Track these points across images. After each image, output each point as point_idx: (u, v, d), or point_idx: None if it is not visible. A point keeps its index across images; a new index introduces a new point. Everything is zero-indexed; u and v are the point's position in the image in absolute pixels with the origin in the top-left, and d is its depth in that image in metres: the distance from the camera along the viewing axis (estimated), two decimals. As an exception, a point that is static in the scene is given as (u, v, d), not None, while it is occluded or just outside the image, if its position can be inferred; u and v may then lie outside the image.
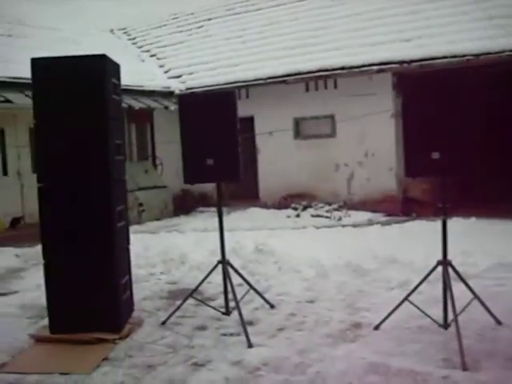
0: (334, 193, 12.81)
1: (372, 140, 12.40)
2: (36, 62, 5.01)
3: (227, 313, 5.45)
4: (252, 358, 4.55)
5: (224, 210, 13.77)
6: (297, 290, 6.45)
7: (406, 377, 4.17)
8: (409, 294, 5.05)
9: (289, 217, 11.91)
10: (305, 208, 12.27)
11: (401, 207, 12.19)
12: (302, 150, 13.39)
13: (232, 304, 5.42)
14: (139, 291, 6.39)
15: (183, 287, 6.86)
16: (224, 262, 5.39)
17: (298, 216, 11.91)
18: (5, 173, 11.57)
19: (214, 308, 5.57)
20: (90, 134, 4.91)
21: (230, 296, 5.35)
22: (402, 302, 5.04)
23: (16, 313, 6.04)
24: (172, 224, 12.13)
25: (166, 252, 8.14)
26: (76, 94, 4.93)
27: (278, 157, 13.55)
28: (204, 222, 12.09)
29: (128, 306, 5.50)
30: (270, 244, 7.72)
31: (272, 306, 5.84)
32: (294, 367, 4.36)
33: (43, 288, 6.27)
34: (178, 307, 5.53)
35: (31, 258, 8.97)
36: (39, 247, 9.69)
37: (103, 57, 5.02)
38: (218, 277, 6.99)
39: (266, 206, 13.37)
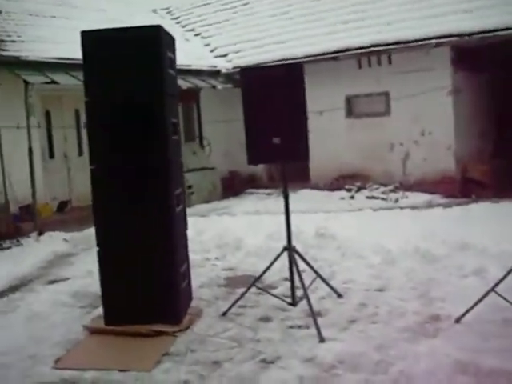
0: (388, 173, 12.24)
1: (428, 118, 11.76)
2: (86, 36, 4.65)
3: (293, 303, 5.05)
4: (325, 353, 4.15)
5: (274, 191, 13.55)
6: (363, 278, 6.00)
7: (499, 378, 3.72)
8: (496, 285, 4.56)
9: (343, 198, 11.42)
10: (359, 189, 11.76)
11: (459, 188, 11.56)
12: (354, 130, 12.83)
13: (298, 293, 5.04)
14: (195, 278, 6.03)
15: (241, 274, 6.50)
16: (290, 248, 4.98)
17: (352, 198, 11.42)
18: (51, 156, 11.37)
19: (280, 298, 5.17)
20: (145, 112, 4.54)
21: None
22: (488, 293, 4.57)
23: (68, 301, 5.76)
24: (222, 206, 11.77)
25: (219, 236, 7.79)
26: (130, 69, 4.56)
27: (329, 136, 13.02)
28: (255, 204, 11.71)
29: (187, 295, 5.16)
30: (331, 228, 7.27)
31: (339, 295, 5.43)
32: (374, 365, 3.94)
33: (95, 274, 6.01)
34: (241, 297, 5.15)
35: (80, 243, 8.75)
36: (88, 231, 9.61)
37: (158, 28, 4.63)
38: (276, 263, 6.67)
39: (317, 187, 12.89)
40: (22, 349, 4.54)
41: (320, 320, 4.69)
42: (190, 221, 9.01)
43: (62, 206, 11.21)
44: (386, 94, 12.43)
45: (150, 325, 4.67)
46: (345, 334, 4.53)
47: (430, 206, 10.16)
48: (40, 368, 4.19)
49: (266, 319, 4.97)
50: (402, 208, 10.09)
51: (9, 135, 9.47)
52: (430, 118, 11.71)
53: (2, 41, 9.95)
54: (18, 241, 8.69)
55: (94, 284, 6.25)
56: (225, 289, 5.96)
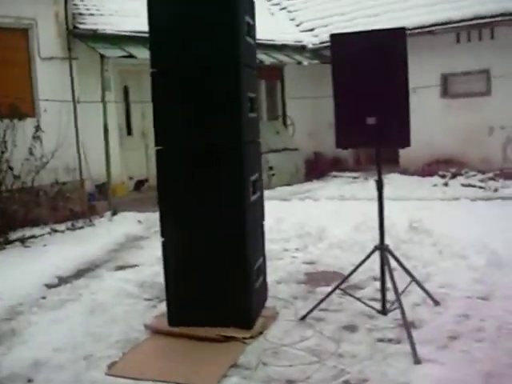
0: (486, 159, 11.16)
1: (537, 98, 10.59)
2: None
3: (384, 312, 4.34)
4: (422, 380, 3.44)
5: (360, 174, 12.71)
6: (464, 282, 5.17)
7: None
8: None
9: (435, 185, 10.48)
10: (453, 176, 10.77)
11: None
12: (449, 110, 11.79)
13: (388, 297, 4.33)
14: (273, 271, 5.44)
15: (323, 269, 5.84)
16: (383, 248, 4.26)
17: (445, 185, 10.45)
18: (129, 133, 11.05)
19: (368, 305, 4.47)
20: (217, 84, 3.93)
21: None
22: None
23: (133, 292, 5.30)
24: (304, 190, 11.09)
25: (301, 224, 7.14)
26: (200, 33, 3.94)
27: (421, 117, 11.95)
28: (339, 188, 10.96)
29: (261, 294, 4.56)
30: (426, 220, 6.44)
31: (436, 303, 4.66)
32: (483, 401, 3.20)
33: None
34: (323, 300, 4.49)
35: (153, 225, 8.31)
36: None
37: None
38: (362, 257, 5.96)
39: (406, 172, 11.97)
40: (78, 347, 4.10)
41: (414, 333, 3.95)
42: (270, 205, 8.42)
43: (139, 185, 10.89)
44: (487, 72, 11.33)
45: (218, 328, 4.11)
46: (444, 354, 3.78)
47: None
48: (93, 373, 3.71)
49: (350, 328, 4.29)
50: (503, 199, 9.07)
51: (85, 111, 9.16)
52: (538, 99, 10.55)
53: (80, 14, 9.64)
54: (90, 221, 8.39)
55: (162, 274, 5.79)
56: (304, 286, 5.31)
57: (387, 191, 10.55)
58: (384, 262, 4.24)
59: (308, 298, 4.98)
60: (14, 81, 8.46)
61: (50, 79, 8.74)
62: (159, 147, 4.09)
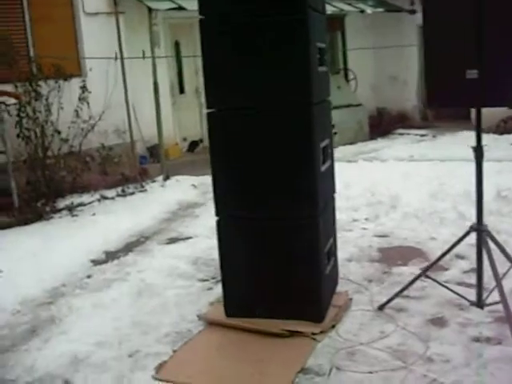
0: None
1: None
2: None
3: (479, 304, 3.64)
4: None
5: (428, 132, 11.77)
6: None
7: None
8: None
9: (514, 144, 9.51)
10: (536, 134, 9.75)
11: None
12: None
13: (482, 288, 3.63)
14: (341, 247, 4.76)
15: (398, 244, 5.15)
16: (481, 229, 3.53)
17: (526, 143, 9.47)
18: (181, 91, 10.43)
19: (460, 295, 3.77)
20: (280, 33, 3.23)
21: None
22: None
23: (186, 271, 4.76)
24: (369, 149, 10.28)
25: (370, 191, 6.42)
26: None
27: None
28: (407, 147, 10.11)
29: (332, 280, 3.93)
30: None
31: (541, 291, 3.92)
32: None
33: None
34: (405, 287, 3.82)
35: (209, 190, 7.67)
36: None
37: None
38: (443, 230, 5.27)
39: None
40: (123, 340, 3.59)
41: (515, 330, 3.27)
42: (335, 168, 7.82)
43: (193, 145, 10.34)
44: None
45: (283, 321, 3.53)
46: (561, 360, 3.09)
47: None
48: (138, 374, 3.20)
49: (438, 322, 3.61)
50: None
51: (134, 69, 8.58)
52: None
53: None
54: (142, 186, 7.90)
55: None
56: (379, 265, 4.65)
57: (461, 151, 9.67)
58: (481, 247, 3.51)
59: (384, 280, 4.33)
60: (58, 39, 7.93)
61: (95, 36, 8.18)
62: (211, 109, 3.45)
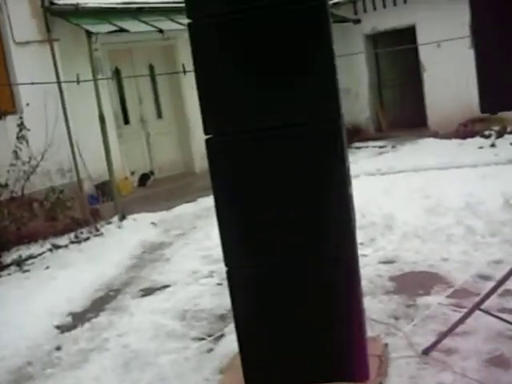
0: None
1: None
2: None
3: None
4: None
5: (385, 143, 11.31)
6: None
7: None
8: None
9: (481, 148, 9.20)
10: (499, 135, 9.48)
11: None
12: (483, 62, 10.45)
13: None
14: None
15: (410, 269, 4.56)
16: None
17: (493, 146, 9.17)
18: (126, 121, 9.63)
19: (515, 325, 3.20)
20: (297, 31, 2.59)
21: None
22: None
23: (175, 329, 4.00)
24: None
25: (359, 211, 5.79)
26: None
27: (449, 73, 10.71)
28: (371, 161, 9.61)
29: (363, 326, 3.27)
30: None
31: None
32: None
33: (203, 277, 4.83)
34: (454, 327, 3.21)
35: (172, 227, 7.05)
36: (178, 210, 7.85)
37: None
38: (453, 248, 4.74)
39: (437, 135, 10.68)
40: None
41: None
42: None
43: (144, 179, 9.53)
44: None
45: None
46: None
47: None
48: None
49: (500, 362, 3.02)
50: None
51: (74, 100, 7.74)
52: None
53: (57, -14, 8.16)
54: (96, 229, 7.05)
55: (205, 295, 4.53)
56: (399, 298, 4.03)
57: (429, 159, 9.25)
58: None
59: (412, 316, 3.72)
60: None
61: (28, 67, 7.30)
62: (209, 136, 2.75)
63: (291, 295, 2.81)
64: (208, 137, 2.75)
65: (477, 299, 3.21)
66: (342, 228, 2.72)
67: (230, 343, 3.61)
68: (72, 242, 6.68)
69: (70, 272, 5.53)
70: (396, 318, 3.71)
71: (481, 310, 3.13)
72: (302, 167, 2.66)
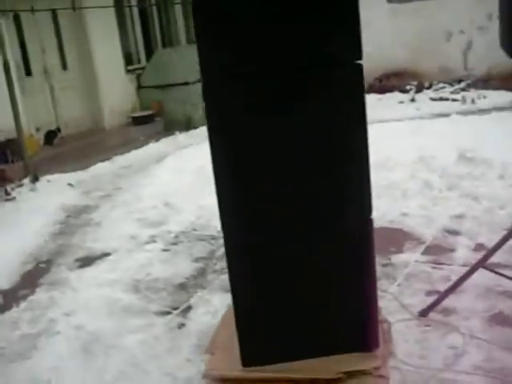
0: (444, 69, 9.99)
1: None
2: None
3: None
4: None
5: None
6: None
7: None
8: None
9: (402, 102, 9.18)
10: (419, 90, 9.51)
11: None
12: (398, 17, 10.41)
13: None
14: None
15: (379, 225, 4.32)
16: None
17: (413, 100, 9.18)
18: (28, 73, 8.67)
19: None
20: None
21: None
22: None
23: (132, 304, 3.52)
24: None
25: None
26: None
27: (366, 27, 10.57)
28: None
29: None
30: (477, 147, 5.02)
31: None
32: None
33: (144, 243, 4.39)
34: (455, 286, 3.00)
35: (92, 188, 6.43)
36: (94, 169, 7.19)
37: None
38: (411, 203, 4.57)
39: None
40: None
41: None
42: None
43: (51, 137, 8.69)
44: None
45: (324, 359, 2.53)
46: None
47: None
48: None
49: (502, 320, 2.87)
50: (485, 111, 7.90)
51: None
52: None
53: None
54: (7, 193, 6.27)
55: (154, 263, 4.09)
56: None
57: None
58: None
59: (392, 275, 3.52)
60: None
61: None
62: (207, 77, 2.27)
63: (301, 269, 2.44)
64: (205, 80, 2.27)
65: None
66: (357, 198, 2.38)
67: (202, 316, 3.25)
68: (-21, 209, 5.89)
69: (-15, 243, 4.82)
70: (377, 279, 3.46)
71: (485, 267, 2.92)
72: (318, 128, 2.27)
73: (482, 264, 2.90)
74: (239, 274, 2.45)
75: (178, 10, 10.97)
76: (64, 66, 9.16)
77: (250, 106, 2.27)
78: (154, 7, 10.50)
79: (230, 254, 2.41)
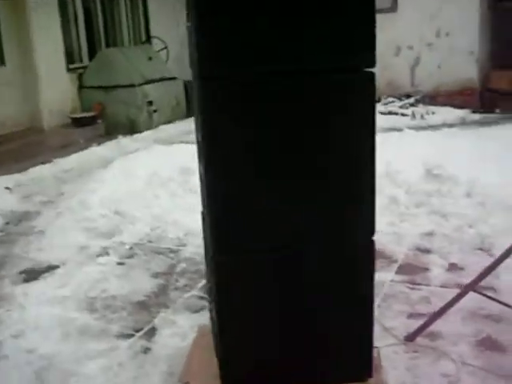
0: (392, 84, 10.03)
1: (447, 15, 9.57)
2: None
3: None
4: None
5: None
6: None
7: None
8: None
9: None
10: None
11: (480, 101, 9.66)
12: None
13: None
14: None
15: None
16: None
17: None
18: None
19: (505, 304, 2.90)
20: None
21: None
22: None
23: (88, 324, 3.18)
24: (191, 129, 9.04)
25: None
26: None
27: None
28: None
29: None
30: (442, 163, 4.92)
31: None
32: None
33: (96, 255, 4.08)
34: (444, 310, 2.84)
35: (33, 193, 6.00)
36: (34, 171, 6.71)
37: None
38: (378, 218, 4.45)
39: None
40: None
41: None
42: (159, 153, 6.63)
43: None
44: (391, -15, 10.11)
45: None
46: None
47: (480, 123, 8.19)
48: None
49: (490, 344, 2.74)
50: (434, 127, 7.94)
51: None
52: (449, 15, 9.56)
53: None
54: None
55: (109, 277, 3.80)
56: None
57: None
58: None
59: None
60: None
61: None
62: (206, 76, 2.02)
63: (292, 282, 2.22)
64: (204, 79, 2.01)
65: (468, 281, 2.85)
66: (365, 209, 2.19)
67: (169, 339, 2.97)
68: None
69: None
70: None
71: (476, 291, 2.78)
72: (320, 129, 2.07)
73: (472, 288, 2.75)
74: (226, 298, 2.20)
75: (123, 9, 10.57)
76: (1, 61, 8.59)
77: (253, 109, 2.05)
78: (99, 5, 10.05)
79: (218, 277, 2.16)
